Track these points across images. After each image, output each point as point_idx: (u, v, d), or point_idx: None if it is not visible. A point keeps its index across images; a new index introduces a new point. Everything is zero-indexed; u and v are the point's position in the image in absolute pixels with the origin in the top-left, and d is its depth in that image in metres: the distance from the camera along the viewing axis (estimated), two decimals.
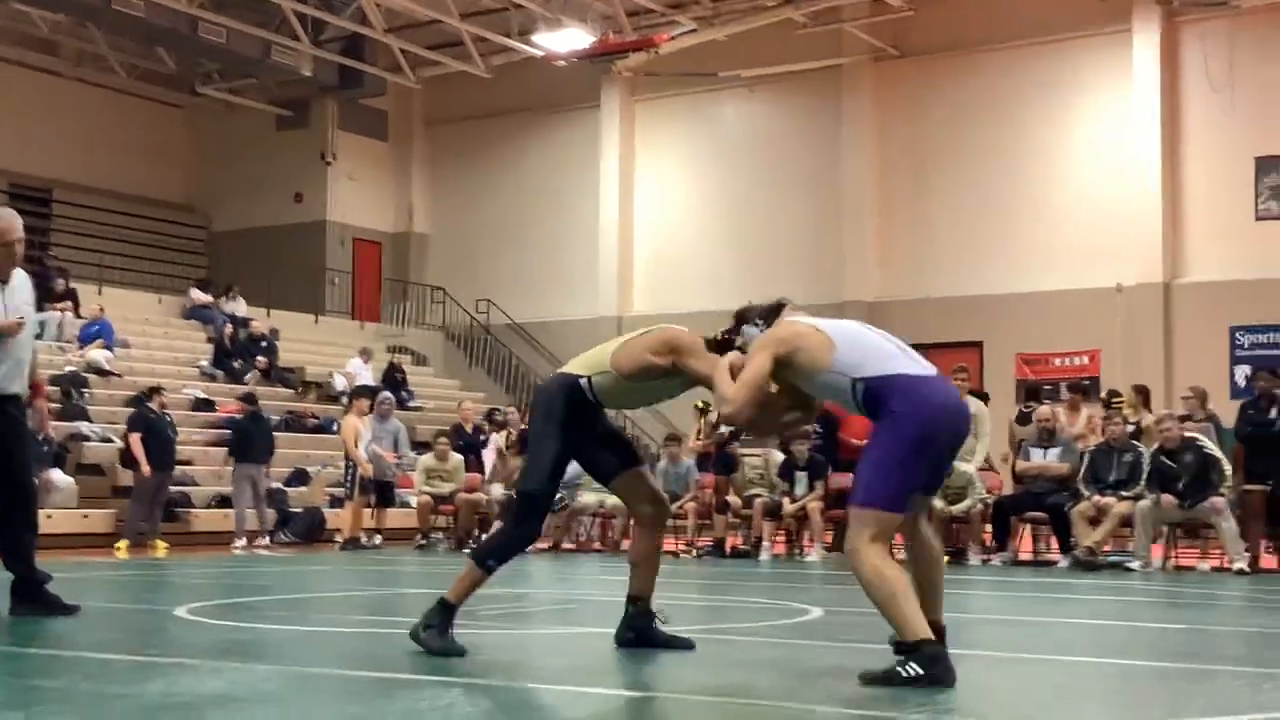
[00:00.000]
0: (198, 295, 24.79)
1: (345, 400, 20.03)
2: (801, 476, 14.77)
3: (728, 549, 15.19)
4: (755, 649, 6.61)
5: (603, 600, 9.80)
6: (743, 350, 5.58)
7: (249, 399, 16.81)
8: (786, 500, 14.76)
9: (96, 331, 20.85)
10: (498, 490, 16.48)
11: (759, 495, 15.02)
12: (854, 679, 5.10)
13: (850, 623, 8.02)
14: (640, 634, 6.08)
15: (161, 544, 15.35)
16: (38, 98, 26.53)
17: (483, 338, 28.07)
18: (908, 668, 5.00)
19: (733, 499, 15.32)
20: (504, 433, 17.50)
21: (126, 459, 15.78)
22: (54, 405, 16.60)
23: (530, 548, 15.49)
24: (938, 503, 13.72)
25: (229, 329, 22.97)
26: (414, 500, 17.03)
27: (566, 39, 24.05)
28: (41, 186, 26.99)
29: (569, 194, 27.47)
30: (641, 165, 27.26)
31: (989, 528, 14.08)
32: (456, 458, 16.90)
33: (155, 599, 9.93)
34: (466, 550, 15.69)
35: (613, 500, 15.91)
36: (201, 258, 28.88)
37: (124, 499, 16.10)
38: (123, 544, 14.94)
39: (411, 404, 23.06)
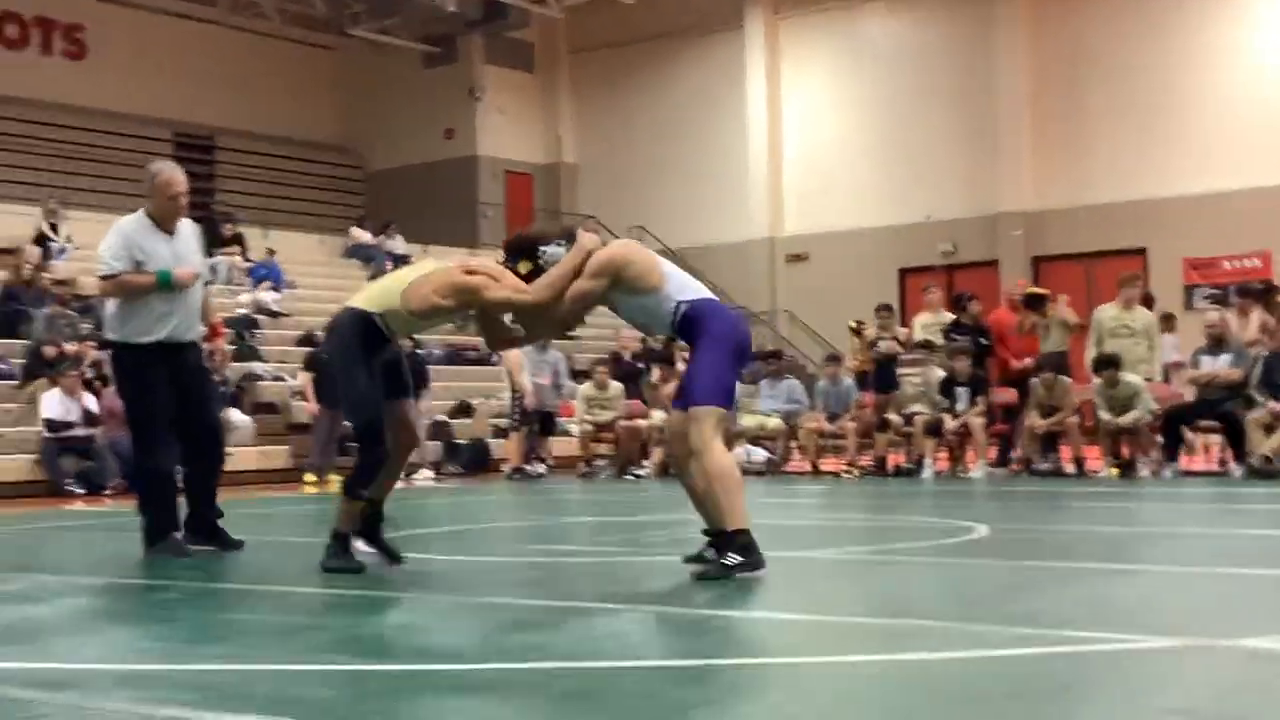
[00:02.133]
0: (358, 234, 25.35)
1: None
2: (962, 392, 14.62)
3: (890, 468, 15.16)
4: (922, 569, 6.63)
5: (765, 524, 9.87)
6: (543, 268, 6.05)
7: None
8: (948, 417, 14.64)
9: (265, 274, 21.49)
10: (658, 416, 16.64)
11: (920, 412, 14.92)
12: (1026, 597, 5.09)
13: (1018, 540, 7.98)
14: (367, 534, 6.59)
15: (335, 479, 15.81)
16: (196, 47, 27.24)
17: None
18: (730, 557, 5.78)
19: (893, 417, 15.25)
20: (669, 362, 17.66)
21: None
22: (228, 347, 17.16)
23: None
24: (1104, 415, 13.52)
25: (389, 266, 23.43)
26: (576, 429, 17.29)
27: None
28: (204, 134, 27.78)
29: (716, 116, 27.34)
30: (787, 84, 26.98)
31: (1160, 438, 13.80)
32: (616, 386, 17.08)
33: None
34: (628, 476, 15.92)
35: (773, 423, 15.99)
36: (359, 197, 29.47)
37: (299, 435, 16.65)
38: (311, 477, 15.38)
39: (569, 334, 23.30)
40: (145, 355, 7.27)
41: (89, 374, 15.14)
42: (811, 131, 26.67)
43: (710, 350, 5.89)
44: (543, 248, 6.05)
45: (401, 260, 23.76)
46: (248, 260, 22.31)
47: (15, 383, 15.64)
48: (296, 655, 4.31)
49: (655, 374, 17.38)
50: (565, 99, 29.70)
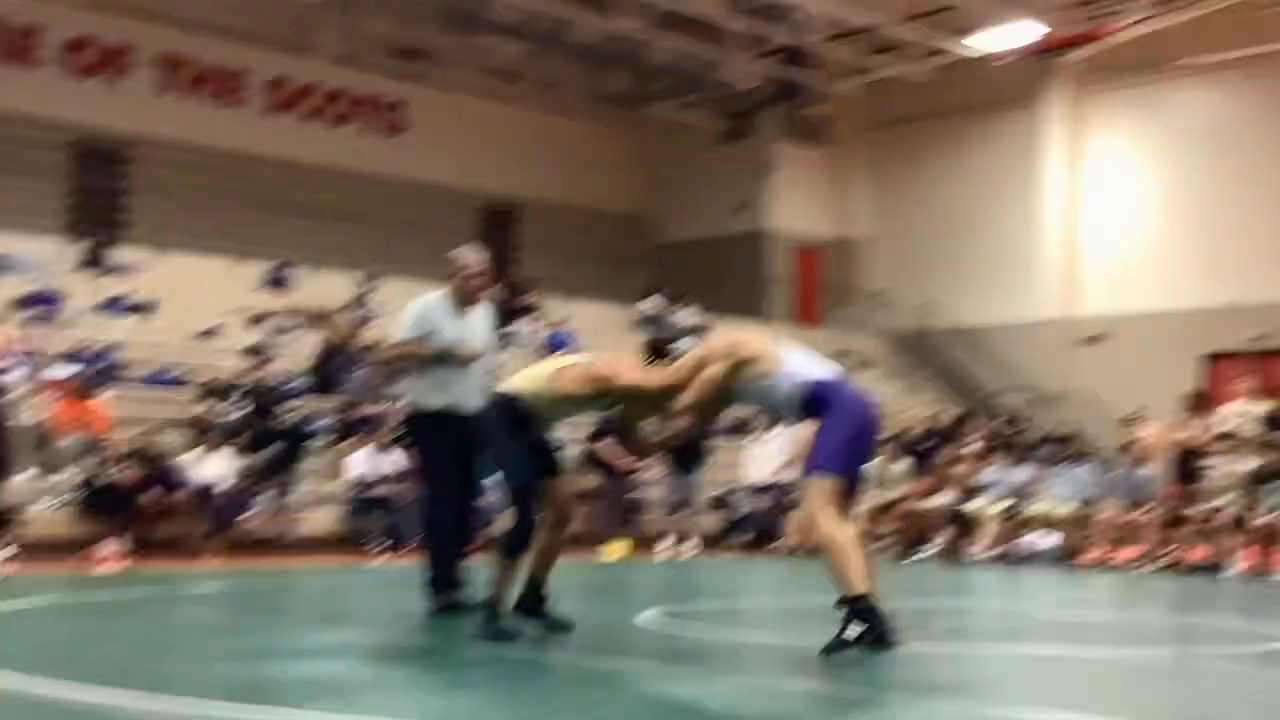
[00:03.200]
0: (649, 305, 25.86)
1: None
2: (1273, 487, 13.86)
3: (1190, 563, 14.47)
4: (1226, 677, 6.33)
5: (1052, 619, 9.58)
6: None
7: None
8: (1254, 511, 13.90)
9: (559, 341, 22.13)
10: (946, 497, 16.37)
11: (1225, 506, 14.21)
12: None
13: None
14: (530, 609, 6.88)
15: (618, 546, 15.99)
16: (503, 124, 28.43)
17: (926, 341, 27.86)
18: (851, 627, 5.92)
19: (1195, 510, 14.58)
20: (969, 439, 17.40)
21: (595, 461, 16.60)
22: None
23: (977, 557, 15.29)
24: None
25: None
26: (860, 507, 17.12)
27: (1008, 36, 23.59)
28: (509, 205, 28.92)
29: (1012, 193, 26.84)
30: (1088, 160, 26.29)
31: None
32: (903, 463, 16.89)
33: (620, 600, 10.47)
34: (913, 557, 15.66)
35: (1064, 510, 15.51)
36: (651, 268, 30.06)
37: (586, 502, 17.02)
38: (614, 545, 15.60)
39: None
40: (429, 420, 7.90)
41: (396, 434, 15.88)
42: (1113, 208, 25.88)
43: (835, 425, 6.16)
44: (673, 345, 6.64)
45: (695, 332, 24.11)
46: (544, 328, 23.03)
47: (328, 440, 16.53)
48: None
49: (945, 453, 17.13)
50: (857, 174, 29.69)
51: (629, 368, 6.64)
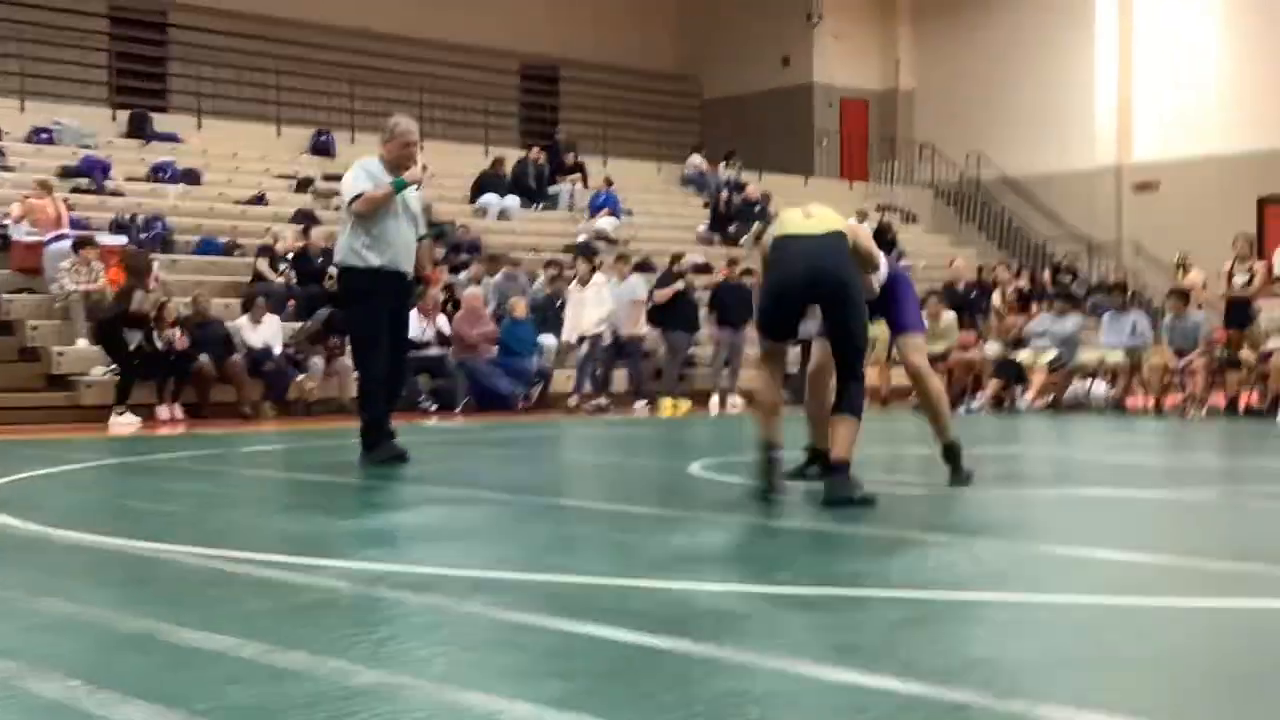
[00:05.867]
0: (697, 161, 25.64)
1: None
2: None
3: (1241, 408, 14.42)
4: (1274, 515, 6.34)
5: (1100, 463, 9.61)
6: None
7: (732, 263, 17.39)
8: None
9: (603, 201, 22.04)
10: (993, 348, 16.32)
11: (1277, 349, 14.11)
12: None
13: None
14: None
15: (676, 403, 16.14)
16: None
17: (973, 193, 27.55)
18: (963, 466, 6.87)
19: (1246, 354, 14.48)
20: (998, 289, 17.28)
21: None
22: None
23: (1026, 405, 15.26)
24: None
25: (724, 194, 23.65)
26: None
27: None
28: (549, 65, 28.61)
29: (1062, 39, 26.29)
30: (1140, 2, 25.65)
31: None
32: (949, 316, 16.82)
33: (672, 455, 10.59)
34: (961, 409, 15.68)
35: (1115, 358, 15.44)
36: (695, 125, 29.78)
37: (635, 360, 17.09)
38: (671, 401, 15.91)
39: (902, 263, 23.02)
40: (365, 277, 8.03)
41: (442, 298, 15.95)
42: (1164, 53, 25.31)
43: (908, 293, 6.98)
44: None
45: (738, 189, 23.89)
46: (587, 188, 22.93)
47: None
48: (634, 571, 4.50)
49: (996, 300, 16.98)
50: (904, 23, 29.13)
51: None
